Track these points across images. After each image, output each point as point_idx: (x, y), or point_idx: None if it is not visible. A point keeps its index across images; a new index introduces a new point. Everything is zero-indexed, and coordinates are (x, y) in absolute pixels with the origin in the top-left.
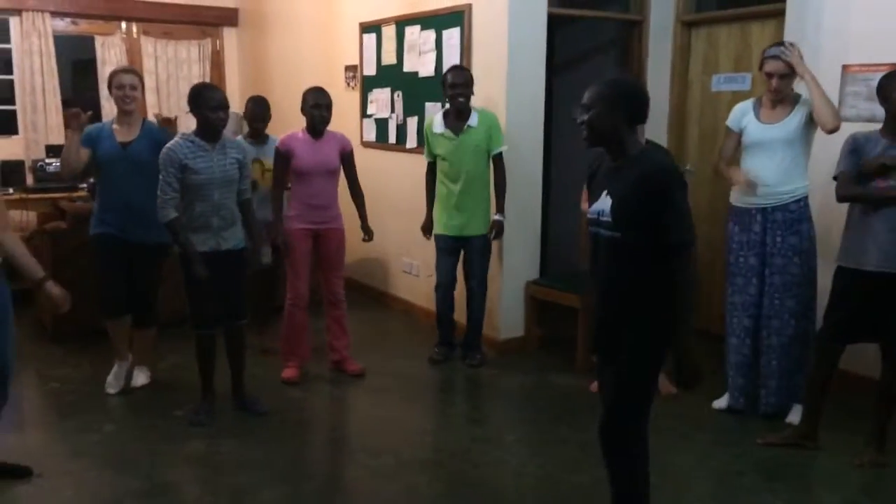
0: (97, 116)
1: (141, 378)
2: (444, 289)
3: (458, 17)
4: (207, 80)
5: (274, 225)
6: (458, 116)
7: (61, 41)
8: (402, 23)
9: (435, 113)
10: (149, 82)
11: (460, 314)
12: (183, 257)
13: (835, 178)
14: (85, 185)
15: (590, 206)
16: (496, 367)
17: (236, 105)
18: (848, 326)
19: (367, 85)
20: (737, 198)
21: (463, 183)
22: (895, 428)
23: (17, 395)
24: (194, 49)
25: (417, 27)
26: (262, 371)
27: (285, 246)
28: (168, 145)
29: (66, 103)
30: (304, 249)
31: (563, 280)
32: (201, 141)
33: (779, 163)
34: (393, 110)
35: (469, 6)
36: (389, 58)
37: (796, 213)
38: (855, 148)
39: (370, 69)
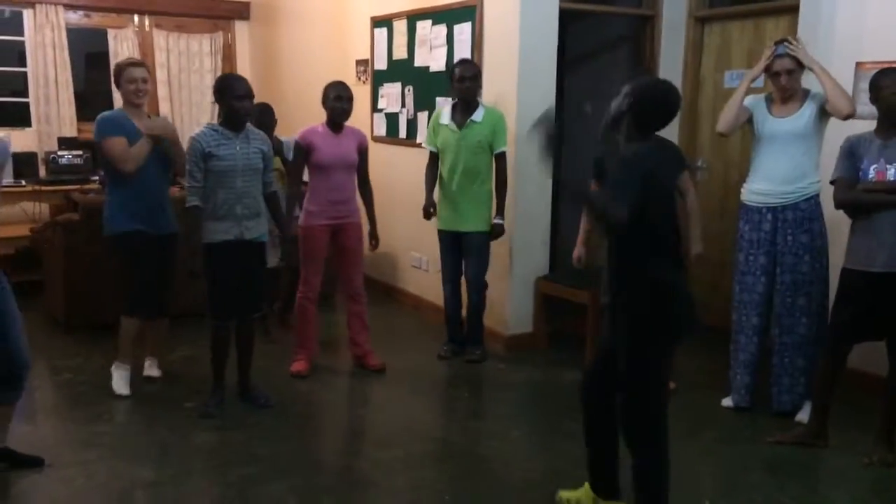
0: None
1: (154, 370)
2: (452, 285)
3: (469, 12)
4: (219, 73)
5: (289, 219)
6: (464, 110)
7: (74, 34)
8: (413, 17)
9: (445, 105)
10: (160, 75)
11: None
12: (205, 249)
13: (832, 182)
14: (97, 178)
15: None
16: (504, 363)
17: None
18: (854, 326)
19: (378, 79)
20: (747, 196)
21: (460, 177)
22: None
23: (29, 386)
24: (206, 42)
25: (429, 22)
26: (270, 364)
27: (298, 240)
28: (192, 135)
29: (80, 96)
30: (322, 245)
31: (572, 276)
32: (225, 129)
33: (791, 157)
34: (403, 105)
35: (481, 1)
36: (400, 52)
37: (807, 212)
38: (850, 151)
39: (381, 63)
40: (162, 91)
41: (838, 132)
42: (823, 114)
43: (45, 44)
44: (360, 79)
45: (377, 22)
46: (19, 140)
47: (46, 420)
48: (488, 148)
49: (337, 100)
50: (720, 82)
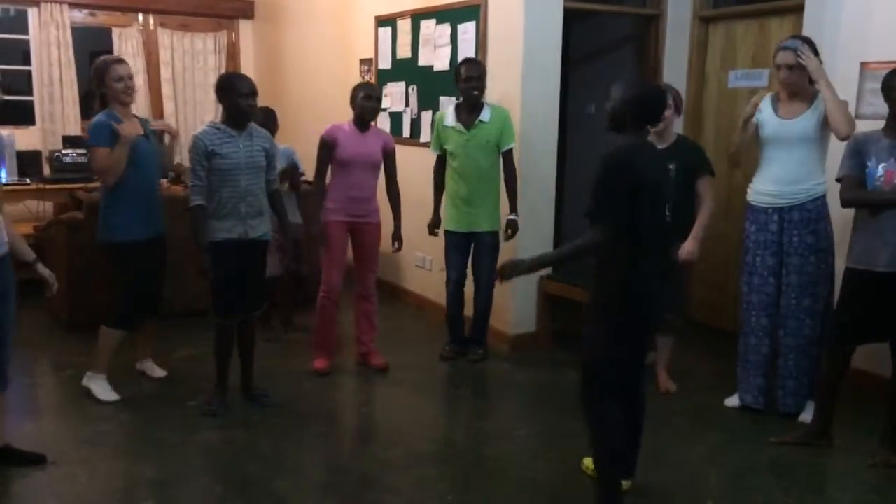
0: None
1: (157, 370)
2: (455, 285)
3: (473, 12)
4: (223, 72)
5: (314, 215)
6: (470, 110)
7: (79, 32)
8: (417, 16)
9: (448, 106)
10: (165, 74)
11: (471, 310)
12: (212, 248)
13: (838, 180)
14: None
15: None
16: (507, 362)
17: None
18: (858, 327)
19: (382, 78)
20: (754, 196)
21: (472, 178)
22: None
23: (32, 384)
24: (210, 41)
25: (433, 21)
26: (272, 362)
27: (323, 237)
28: (195, 133)
29: (86, 96)
30: (341, 242)
31: (576, 276)
32: (228, 128)
33: (797, 158)
34: (407, 104)
35: (485, 0)
36: (404, 52)
37: (813, 213)
38: (857, 149)
39: (385, 63)
40: (166, 89)
41: None
42: None
43: (50, 42)
44: (363, 78)
45: (381, 21)
46: (24, 138)
47: (49, 418)
48: (496, 147)
49: (366, 98)
50: (724, 82)
